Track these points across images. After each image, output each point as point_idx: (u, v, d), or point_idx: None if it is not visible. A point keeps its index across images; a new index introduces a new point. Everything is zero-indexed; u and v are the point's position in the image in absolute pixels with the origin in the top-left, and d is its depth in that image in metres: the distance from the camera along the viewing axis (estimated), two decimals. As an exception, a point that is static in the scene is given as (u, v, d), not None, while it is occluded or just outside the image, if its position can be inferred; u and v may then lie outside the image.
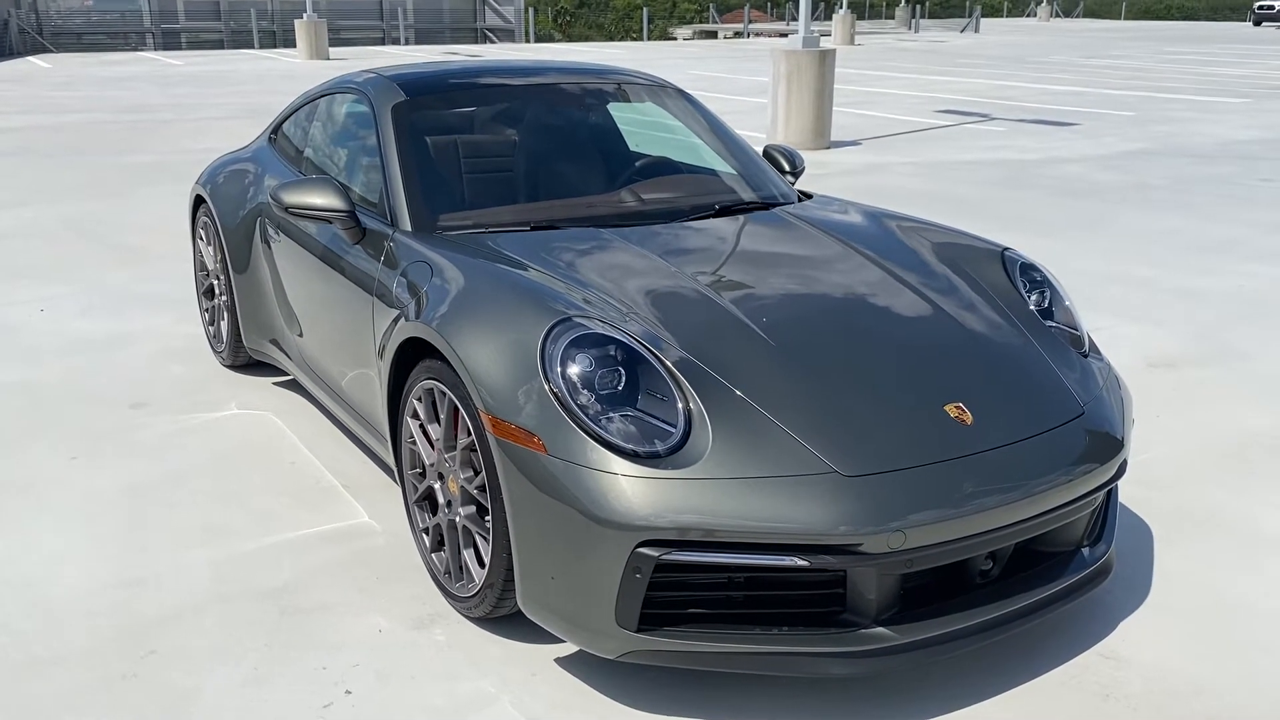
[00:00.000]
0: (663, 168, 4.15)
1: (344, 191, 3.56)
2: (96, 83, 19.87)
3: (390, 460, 3.46)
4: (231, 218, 4.69)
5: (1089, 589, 2.89)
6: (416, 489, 3.22)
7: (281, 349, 4.53)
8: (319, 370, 4.11)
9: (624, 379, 2.65)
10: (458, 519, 2.98)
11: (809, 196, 4.11)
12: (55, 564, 3.35)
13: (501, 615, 2.92)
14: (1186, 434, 4.33)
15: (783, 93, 11.98)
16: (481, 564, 2.90)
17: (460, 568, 3.01)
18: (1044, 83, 20.04)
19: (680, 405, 2.60)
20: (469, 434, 2.85)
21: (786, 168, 4.39)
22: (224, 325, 4.94)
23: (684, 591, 2.54)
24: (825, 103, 12.00)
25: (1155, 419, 4.42)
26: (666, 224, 3.60)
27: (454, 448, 2.97)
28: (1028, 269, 3.45)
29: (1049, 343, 3.13)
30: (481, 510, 2.91)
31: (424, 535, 3.21)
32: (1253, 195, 9.34)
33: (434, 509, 3.17)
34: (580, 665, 2.83)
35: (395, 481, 3.83)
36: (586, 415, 2.57)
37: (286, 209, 3.56)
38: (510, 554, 2.72)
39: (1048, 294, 3.37)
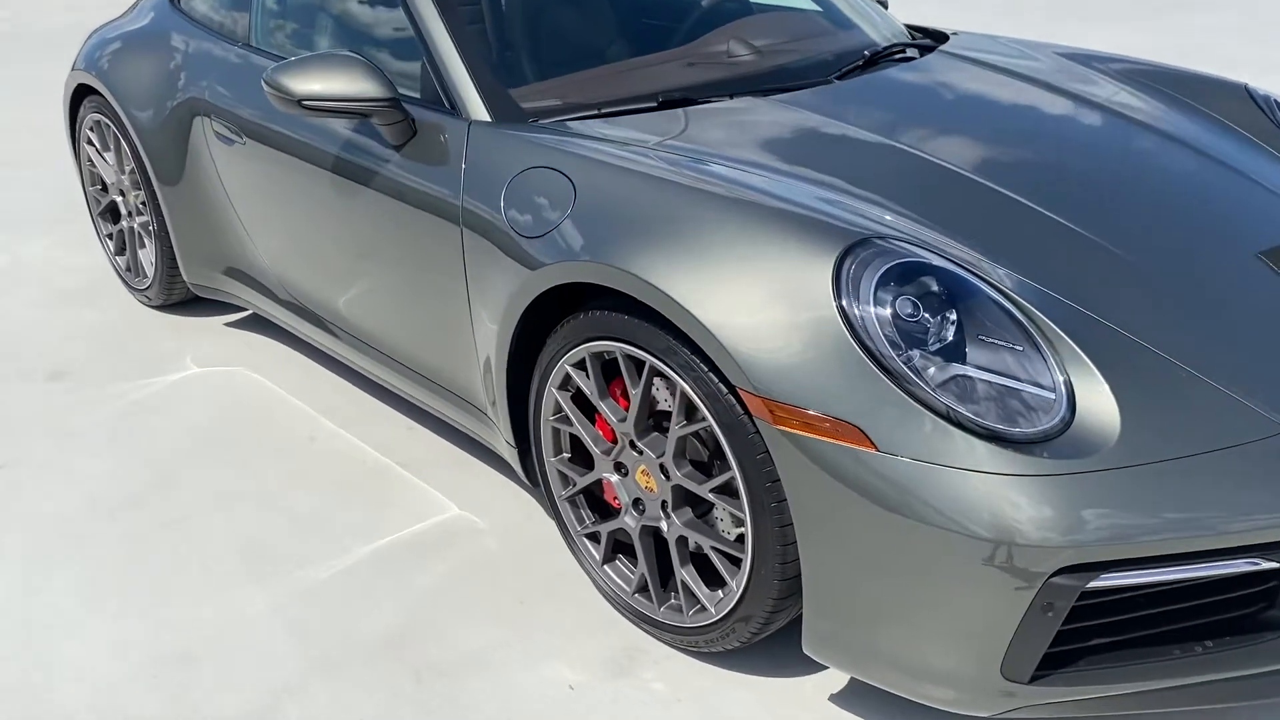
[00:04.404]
0: (753, 6, 3.20)
1: (379, 72, 2.53)
2: None
3: (497, 442, 2.56)
4: (149, 114, 3.50)
5: None
6: (571, 483, 2.36)
7: (247, 282, 3.47)
8: (343, 322, 3.05)
9: (955, 326, 1.84)
10: (665, 527, 2.15)
11: (939, 36, 3.24)
12: (57, 642, 2.35)
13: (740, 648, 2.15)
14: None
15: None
16: (715, 586, 2.11)
17: (671, 588, 2.20)
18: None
19: (1049, 356, 1.82)
20: (687, 417, 2.02)
21: (876, -1, 3.52)
22: (146, 255, 3.80)
23: (1091, 621, 1.81)
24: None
25: None
26: (823, 84, 2.72)
27: (650, 430, 2.12)
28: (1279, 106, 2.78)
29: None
30: (702, 512, 2.10)
31: (587, 542, 2.37)
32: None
33: (600, 510, 2.34)
34: (870, 707, 2.10)
35: (474, 456, 2.94)
36: (932, 388, 1.76)
37: (300, 101, 2.50)
38: (790, 580, 1.93)
39: (1304, 138, 2.70)
